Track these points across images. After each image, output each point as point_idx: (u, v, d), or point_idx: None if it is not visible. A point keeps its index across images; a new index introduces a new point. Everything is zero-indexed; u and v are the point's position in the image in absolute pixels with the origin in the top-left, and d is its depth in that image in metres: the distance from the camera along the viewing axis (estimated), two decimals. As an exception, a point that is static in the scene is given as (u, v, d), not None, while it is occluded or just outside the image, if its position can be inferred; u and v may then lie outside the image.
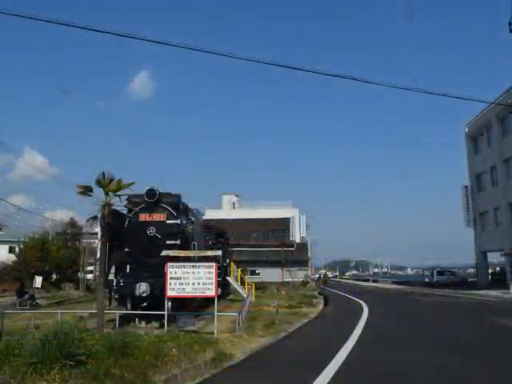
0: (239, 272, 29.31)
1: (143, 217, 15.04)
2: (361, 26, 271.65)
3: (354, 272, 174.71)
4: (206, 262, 12.57)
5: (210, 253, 14.92)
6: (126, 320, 13.83)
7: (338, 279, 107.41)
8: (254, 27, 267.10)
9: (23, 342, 7.36)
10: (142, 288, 13.91)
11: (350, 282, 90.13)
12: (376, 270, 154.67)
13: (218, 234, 27.70)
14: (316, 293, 33.65)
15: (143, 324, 13.71)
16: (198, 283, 11.79)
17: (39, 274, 28.18)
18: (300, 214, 65.67)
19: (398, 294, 38.24)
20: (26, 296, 22.68)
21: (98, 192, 11.16)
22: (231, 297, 26.15)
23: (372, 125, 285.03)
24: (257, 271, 43.04)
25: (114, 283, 14.62)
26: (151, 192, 14.96)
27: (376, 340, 11.75)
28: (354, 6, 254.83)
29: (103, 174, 11.10)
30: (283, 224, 53.07)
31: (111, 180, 11.13)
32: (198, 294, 12.00)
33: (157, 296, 13.25)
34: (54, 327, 7.40)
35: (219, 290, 16.62)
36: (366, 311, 19.85)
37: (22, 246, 34.27)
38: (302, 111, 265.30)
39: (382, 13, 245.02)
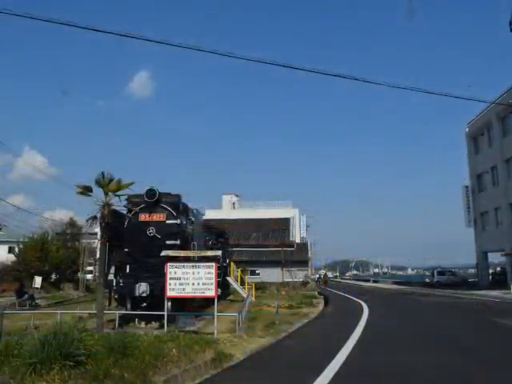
0: (239, 272, 29.29)
1: (143, 217, 15.04)
2: (361, 25, 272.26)
3: (355, 272, 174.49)
4: (206, 262, 12.56)
5: (209, 253, 14.89)
6: (125, 320, 13.81)
7: (338, 279, 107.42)
8: (254, 27, 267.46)
9: (23, 342, 7.34)
10: (142, 288, 13.91)
11: (350, 282, 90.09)
12: (376, 270, 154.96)
13: (218, 234, 27.64)
14: (316, 293, 33.65)
15: (143, 324, 13.71)
16: (198, 283, 11.78)
17: (39, 274, 28.20)
18: (300, 214, 65.52)
19: (399, 294, 38.20)
20: (26, 296, 22.69)
21: (98, 192, 11.14)
22: (231, 297, 26.14)
23: (372, 125, 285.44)
24: (257, 271, 42.92)
25: (114, 283, 14.62)
26: (151, 192, 14.95)
27: (376, 340, 11.73)
28: (354, 6, 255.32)
29: (103, 173, 11.07)
30: (283, 224, 52.95)
31: (111, 180, 11.10)
32: (198, 294, 11.99)
33: (156, 296, 13.25)
34: (54, 327, 7.37)
35: (219, 290, 16.59)
36: (366, 311, 19.83)
37: (21, 246, 34.18)
38: (302, 111, 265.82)
39: (381, 13, 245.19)
